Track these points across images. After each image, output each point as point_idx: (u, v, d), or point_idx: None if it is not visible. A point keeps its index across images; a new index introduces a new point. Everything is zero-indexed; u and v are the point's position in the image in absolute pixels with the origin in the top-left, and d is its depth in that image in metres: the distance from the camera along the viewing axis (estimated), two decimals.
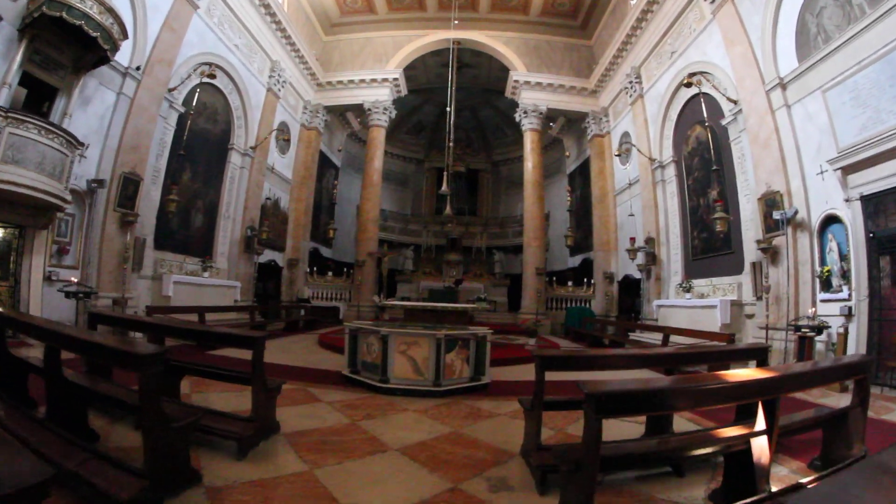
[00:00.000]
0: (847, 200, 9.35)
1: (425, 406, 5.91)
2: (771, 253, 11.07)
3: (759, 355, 5.32)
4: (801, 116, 10.71)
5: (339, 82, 23.12)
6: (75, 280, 10.64)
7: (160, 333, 5.89)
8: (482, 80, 27.05)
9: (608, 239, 20.88)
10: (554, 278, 22.14)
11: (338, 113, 25.04)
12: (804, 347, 9.09)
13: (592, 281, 21.09)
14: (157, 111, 13.26)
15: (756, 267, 11.73)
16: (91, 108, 11.52)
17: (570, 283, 21.67)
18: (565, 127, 25.21)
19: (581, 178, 24.59)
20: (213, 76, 14.44)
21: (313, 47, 22.27)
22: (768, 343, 10.32)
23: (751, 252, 12.17)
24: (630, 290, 18.89)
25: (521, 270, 22.78)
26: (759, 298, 11.53)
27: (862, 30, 9.06)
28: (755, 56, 11.96)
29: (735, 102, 12.69)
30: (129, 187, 12.21)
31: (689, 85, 13.61)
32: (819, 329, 9.12)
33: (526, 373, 8.96)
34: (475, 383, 6.95)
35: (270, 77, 19.22)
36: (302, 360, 9.46)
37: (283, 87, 19.99)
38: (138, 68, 12.48)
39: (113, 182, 11.91)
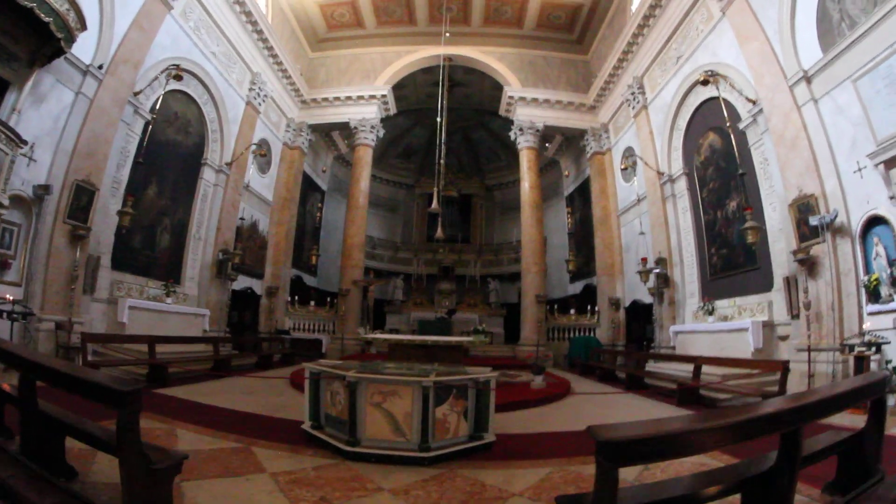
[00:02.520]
0: (892, 198, 8.21)
1: (407, 482, 4.16)
2: (809, 264, 9.66)
3: (875, 391, 3.59)
4: (830, 110, 9.58)
5: (325, 99, 21.84)
6: (11, 298, 9.07)
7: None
8: (475, 99, 25.83)
9: (612, 262, 19.39)
10: (555, 306, 20.58)
11: (323, 133, 23.77)
12: (862, 369, 7.64)
13: (596, 308, 19.50)
14: (119, 115, 11.90)
15: (790, 282, 10.32)
16: (45, 107, 10.22)
17: (572, 311, 20.10)
18: (563, 146, 24.17)
19: (580, 199, 23.24)
20: (179, 77, 13.05)
21: (299, 62, 21.07)
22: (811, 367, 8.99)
23: (781, 265, 10.87)
24: (639, 317, 17.36)
25: (518, 299, 21.51)
26: (795, 317, 10.13)
27: (892, 9, 8.01)
28: (773, 51, 10.82)
29: (754, 102, 11.51)
30: (83, 197, 10.83)
31: (705, 83, 12.41)
32: (878, 346, 7.73)
33: (537, 420, 7.36)
34: (476, 443, 5.17)
35: (251, 90, 17.88)
36: (263, 404, 7.74)
37: (263, 101, 18.64)
38: (100, 67, 11.19)
39: (64, 190, 10.49)
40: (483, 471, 4.56)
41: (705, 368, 9.66)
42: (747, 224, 10.98)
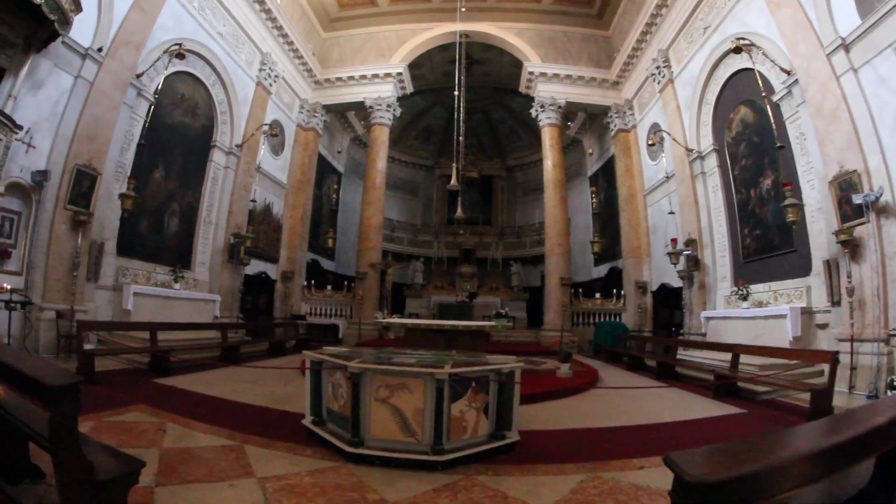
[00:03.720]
0: None
1: (415, 491, 3.54)
2: (851, 246, 8.94)
3: None
4: (871, 81, 8.89)
5: (339, 79, 21.23)
6: (8, 287, 8.82)
7: None
8: (493, 77, 25.07)
9: (639, 244, 18.64)
10: (580, 290, 19.85)
11: (338, 113, 23.29)
12: None
13: (622, 292, 18.78)
14: (121, 98, 11.48)
15: (830, 265, 9.60)
16: (43, 93, 9.92)
17: (597, 296, 19.38)
18: (586, 124, 23.49)
19: (604, 179, 22.50)
20: (181, 56, 12.50)
21: (311, 43, 20.51)
22: (853, 359, 8.34)
23: (820, 248, 10.18)
24: (667, 302, 16.63)
25: (541, 283, 20.97)
26: (836, 304, 9.47)
27: None
28: (807, 17, 10.10)
29: (788, 73, 10.73)
30: (84, 182, 10.47)
31: (738, 51, 11.62)
32: None
33: (564, 414, 6.72)
34: (498, 444, 4.50)
35: (261, 70, 17.36)
36: (267, 395, 7.22)
37: (274, 81, 18.10)
38: (100, 50, 10.80)
39: (64, 176, 10.15)
40: (505, 478, 3.93)
41: (741, 358, 8.97)
42: (787, 201, 10.14)
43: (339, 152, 24.63)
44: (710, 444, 4.88)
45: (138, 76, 11.93)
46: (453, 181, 14.28)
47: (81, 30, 10.16)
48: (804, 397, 7.65)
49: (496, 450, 4.50)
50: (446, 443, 4.17)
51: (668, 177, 16.56)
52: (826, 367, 8.33)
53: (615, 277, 20.19)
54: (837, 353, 7.12)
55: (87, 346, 9.36)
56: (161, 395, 6.83)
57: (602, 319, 18.71)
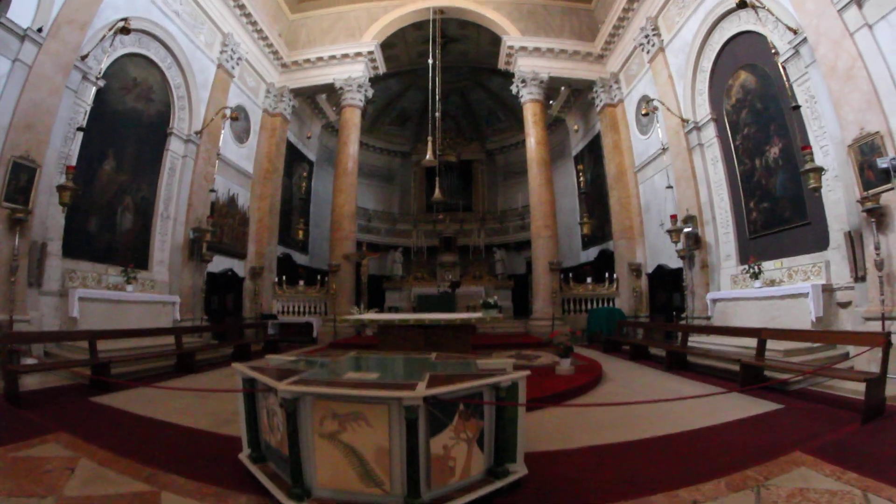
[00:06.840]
0: None
1: None
2: (878, 215, 7.95)
3: None
4: (888, 37, 8.12)
5: (307, 61, 19.88)
6: None
7: None
8: (471, 56, 23.79)
9: (631, 224, 17.60)
10: (570, 275, 18.74)
11: (308, 98, 22.00)
12: None
13: (615, 275, 17.71)
14: (63, 82, 10.09)
15: (853, 238, 8.66)
16: None
17: (589, 280, 18.24)
18: (570, 101, 22.45)
19: (591, 157, 21.46)
20: (127, 31, 11.21)
21: (278, 24, 19.22)
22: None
23: (839, 219, 9.22)
24: (665, 284, 15.61)
25: (527, 270, 20.05)
26: (860, 279, 8.51)
27: None
28: None
29: (795, 32, 9.78)
30: (22, 176, 9.13)
31: (743, 5, 10.54)
32: None
33: (576, 425, 5.43)
34: (500, 484, 3.25)
35: (222, 52, 16.03)
36: (211, 413, 5.95)
37: (237, 64, 16.76)
38: (40, 30, 9.49)
39: None
40: None
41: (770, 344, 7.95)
42: (808, 165, 9.08)
43: (308, 138, 23.29)
44: (763, 454, 3.76)
45: (83, 58, 10.57)
46: (429, 156, 13.11)
47: (21, 11, 9.09)
48: (841, 385, 6.79)
49: (497, 493, 3.27)
50: (426, 492, 2.97)
51: (664, 148, 15.39)
52: (850, 351, 7.47)
53: (606, 260, 19.14)
54: (889, 334, 6.08)
55: (28, 361, 8.25)
56: (89, 420, 5.68)
57: (594, 306, 17.64)
